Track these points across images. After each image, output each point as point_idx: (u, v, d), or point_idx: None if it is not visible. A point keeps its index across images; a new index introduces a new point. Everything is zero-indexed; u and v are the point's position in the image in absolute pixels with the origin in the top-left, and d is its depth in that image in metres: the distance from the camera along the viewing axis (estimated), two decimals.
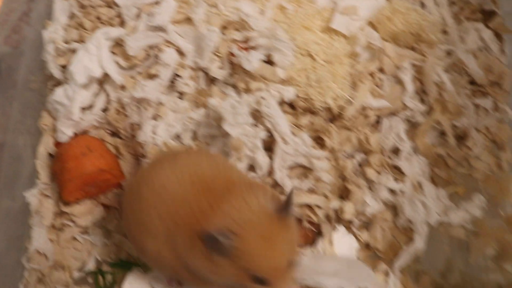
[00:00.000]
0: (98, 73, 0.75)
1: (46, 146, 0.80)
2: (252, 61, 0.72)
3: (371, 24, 0.80)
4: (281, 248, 0.52)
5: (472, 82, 0.78)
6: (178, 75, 0.79)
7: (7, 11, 0.85)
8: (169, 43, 0.78)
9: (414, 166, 0.75)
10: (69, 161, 0.74)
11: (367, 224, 0.77)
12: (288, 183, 0.71)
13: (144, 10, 0.80)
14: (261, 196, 0.54)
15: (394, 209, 0.76)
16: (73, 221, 0.76)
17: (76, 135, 0.80)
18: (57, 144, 0.79)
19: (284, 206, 0.53)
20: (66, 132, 0.78)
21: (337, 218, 0.76)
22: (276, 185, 0.72)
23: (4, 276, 0.73)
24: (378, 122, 0.77)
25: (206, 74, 0.78)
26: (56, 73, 0.80)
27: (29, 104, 0.83)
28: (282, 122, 0.72)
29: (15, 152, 0.78)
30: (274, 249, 0.52)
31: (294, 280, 0.55)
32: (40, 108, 0.82)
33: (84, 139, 0.78)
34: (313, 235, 0.76)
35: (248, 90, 0.74)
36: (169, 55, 0.78)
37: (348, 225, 0.77)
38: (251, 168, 0.73)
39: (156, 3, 0.81)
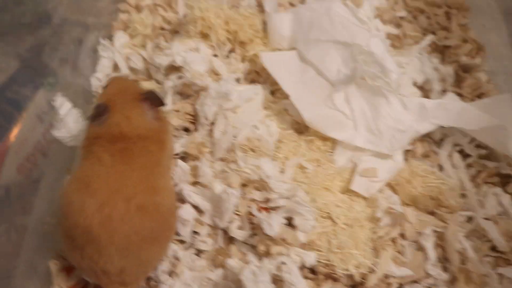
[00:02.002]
0: None
1: None
2: (273, 225, 0.71)
3: (391, 186, 0.80)
4: None
5: (494, 248, 0.77)
6: (195, 232, 0.78)
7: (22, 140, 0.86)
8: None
9: None
10: None
11: None
12: None
13: None
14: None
15: None
16: None
17: None
18: None
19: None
20: None
21: None
22: None
23: None
24: None
25: (225, 232, 0.77)
26: None
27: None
28: None
29: None
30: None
31: None
32: None
33: None
34: None
35: (268, 254, 0.72)
36: (186, 211, 0.77)
37: None
38: None
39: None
